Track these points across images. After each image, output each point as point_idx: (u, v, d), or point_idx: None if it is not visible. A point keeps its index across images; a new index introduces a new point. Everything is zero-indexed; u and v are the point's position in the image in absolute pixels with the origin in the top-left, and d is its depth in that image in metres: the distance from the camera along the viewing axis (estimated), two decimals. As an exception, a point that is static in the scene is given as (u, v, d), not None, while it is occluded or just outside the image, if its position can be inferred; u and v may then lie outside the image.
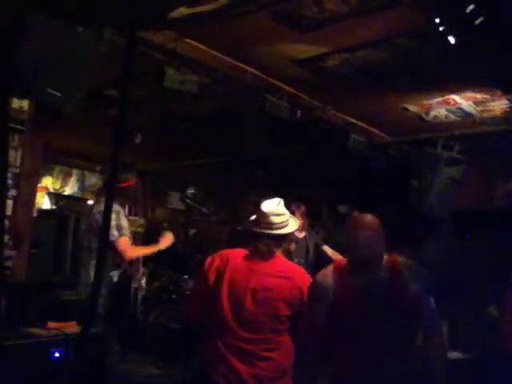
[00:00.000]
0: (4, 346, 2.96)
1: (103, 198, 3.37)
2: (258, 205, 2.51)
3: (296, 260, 4.70)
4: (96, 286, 1.97)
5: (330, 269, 2.37)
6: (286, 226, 2.51)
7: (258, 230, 2.46)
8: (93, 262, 3.45)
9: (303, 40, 3.58)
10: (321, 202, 8.03)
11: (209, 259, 2.46)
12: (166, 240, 3.70)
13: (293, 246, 5.56)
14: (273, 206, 2.49)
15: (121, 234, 3.45)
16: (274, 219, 2.46)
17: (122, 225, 3.48)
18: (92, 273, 3.45)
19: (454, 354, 4.65)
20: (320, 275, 2.38)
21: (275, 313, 2.33)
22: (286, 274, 2.42)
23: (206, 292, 2.41)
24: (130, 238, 3.54)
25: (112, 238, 3.42)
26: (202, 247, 7.05)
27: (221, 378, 2.29)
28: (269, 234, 2.44)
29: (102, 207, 3.40)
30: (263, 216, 2.46)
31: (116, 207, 3.53)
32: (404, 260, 2.36)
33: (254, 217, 2.53)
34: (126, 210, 3.76)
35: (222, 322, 2.33)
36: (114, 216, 3.46)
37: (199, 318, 2.55)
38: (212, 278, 2.38)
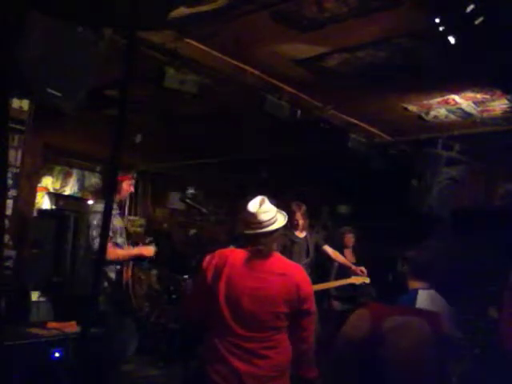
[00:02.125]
0: (4, 346, 2.96)
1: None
2: (244, 206, 2.49)
3: (295, 259, 4.71)
4: (96, 286, 1.97)
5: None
6: (276, 221, 2.49)
7: (250, 232, 2.45)
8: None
9: (303, 40, 3.58)
10: (321, 202, 8.04)
11: (208, 258, 2.47)
12: (146, 251, 3.71)
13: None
14: (258, 204, 2.48)
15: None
16: (263, 217, 2.45)
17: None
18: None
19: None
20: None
21: (273, 310, 2.33)
22: (283, 271, 2.42)
23: (204, 290, 2.41)
24: (112, 237, 3.55)
25: (96, 240, 3.44)
26: (201, 247, 7.04)
27: (219, 378, 2.29)
28: (262, 232, 2.44)
29: (93, 207, 3.53)
30: (252, 217, 2.45)
31: (101, 204, 3.54)
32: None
33: (241, 219, 2.51)
34: (121, 208, 3.80)
35: (220, 321, 2.34)
36: (98, 216, 3.50)
37: (198, 317, 2.55)
38: (210, 276, 2.39)
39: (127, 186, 3.77)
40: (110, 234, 3.53)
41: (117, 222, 3.66)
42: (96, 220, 3.52)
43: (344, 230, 6.17)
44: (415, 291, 3.30)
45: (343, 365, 2.31)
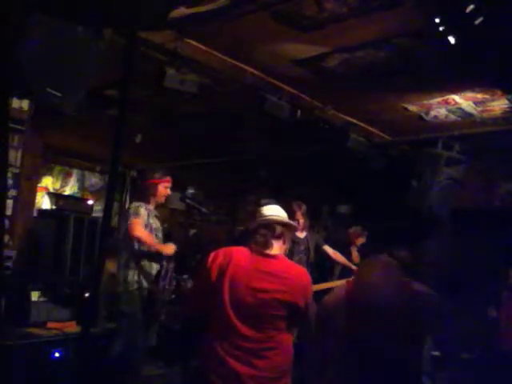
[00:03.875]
0: (4, 345, 2.96)
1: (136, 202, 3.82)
2: (258, 205, 2.59)
3: (297, 259, 4.72)
4: (96, 286, 1.97)
5: (340, 294, 2.34)
6: (284, 221, 2.56)
7: (253, 225, 2.53)
8: (132, 264, 3.68)
9: (303, 40, 3.58)
10: (321, 202, 8.04)
11: (212, 255, 2.46)
12: (167, 248, 3.77)
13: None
14: (272, 206, 2.59)
15: (135, 217, 3.65)
16: (267, 211, 2.54)
17: (138, 212, 3.68)
18: (130, 272, 3.65)
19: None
20: (331, 300, 2.37)
21: (275, 312, 2.33)
22: (288, 274, 2.42)
23: (208, 288, 2.41)
24: (143, 224, 3.70)
25: (128, 222, 3.63)
26: (202, 247, 7.04)
27: (218, 379, 2.28)
28: (262, 221, 2.50)
29: (129, 207, 3.82)
30: (258, 211, 2.58)
31: (139, 204, 3.77)
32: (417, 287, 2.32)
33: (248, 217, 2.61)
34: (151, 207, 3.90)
35: (224, 320, 2.33)
36: (132, 210, 3.71)
37: (200, 314, 2.55)
38: (214, 274, 2.38)
39: (163, 189, 3.91)
40: (143, 220, 3.69)
41: (154, 222, 3.83)
42: (131, 213, 3.67)
43: (358, 230, 6.03)
44: None
45: (324, 330, 2.31)
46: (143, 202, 3.82)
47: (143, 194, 3.91)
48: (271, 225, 2.49)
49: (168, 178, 3.95)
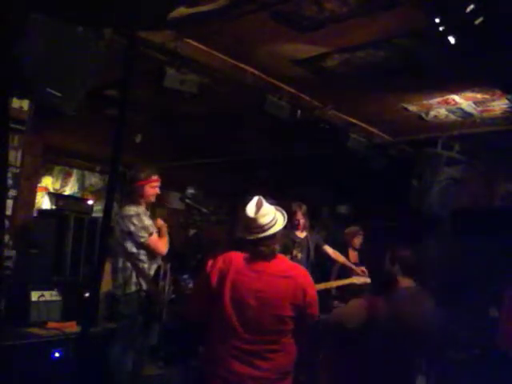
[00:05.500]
0: (4, 345, 2.97)
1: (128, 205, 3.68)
2: (243, 209, 2.46)
3: (296, 259, 4.71)
4: (96, 286, 1.97)
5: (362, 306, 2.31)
6: (276, 222, 2.46)
7: (253, 238, 2.42)
8: (129, 265, 3.61)
9: (303, 40, 3.58)
10: (321, 202, 8.04)
11: (211, 261, 2.45)
12: (159, 225, 3.82)
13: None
14: (256, 208, 2.44)
15: (149, 234, 3.60)
16: (264, 221, 2.42)
17: (146, 225, 3.61)
18: (128, 274, 3.59)
19: (454, 354, 4.64)
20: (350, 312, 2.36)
21: (279, 313, 2.33)
22: (289, 274, 2.41)
23: (208, 293, 2.40)
24: (155, 232, 3.68)
25: (142, 240, 3.56)
26: (201, 247, 7.04)
27: (220, 379, 2.28)
28: (264, 236, 2.42)
29: (123, 211, 3.64)
30: (252, 221, 2.42)
31: (134, 209, 3.65)
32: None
33: (241, 223, 2.49)
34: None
35: (225, 323, 2.32)
36: (135, 219, 3.58)
37: (199, 319, 2.55)
38: (215, 279, 2.37)
39: (151, 189, 3.78)
40: (154, 229, 3.68)
41: (149, 220, 3.75)
42: (138, 223, 3.59)
43: (354, 230, 6.01)
44: (405, 290, 3.31)
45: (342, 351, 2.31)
46: (134, 204, 3.70)
47: (133, 195, 3.76)
48: (275, 235, 2.45)
49: (154, 178, 3.80)
